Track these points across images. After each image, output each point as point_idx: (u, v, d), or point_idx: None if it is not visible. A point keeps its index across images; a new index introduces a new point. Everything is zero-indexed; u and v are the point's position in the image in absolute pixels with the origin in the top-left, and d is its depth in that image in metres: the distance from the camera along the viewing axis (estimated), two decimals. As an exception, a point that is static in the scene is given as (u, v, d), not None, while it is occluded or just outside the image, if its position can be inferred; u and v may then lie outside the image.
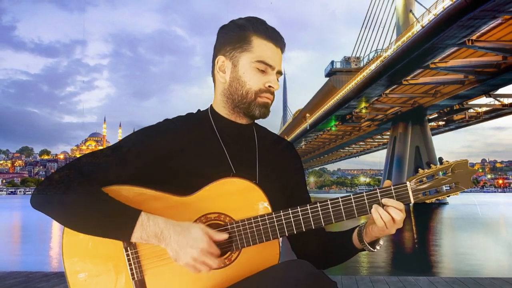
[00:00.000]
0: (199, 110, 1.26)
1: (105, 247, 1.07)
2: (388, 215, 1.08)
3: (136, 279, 1.06)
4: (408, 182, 1.09)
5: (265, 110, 1.19)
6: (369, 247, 1.16)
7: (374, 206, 1.08)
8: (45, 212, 1.04)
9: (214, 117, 1.22)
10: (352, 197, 1.09)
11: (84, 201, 1.02)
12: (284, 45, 1.21)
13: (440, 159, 1.10)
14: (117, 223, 1.01)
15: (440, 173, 1.08)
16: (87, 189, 1.03)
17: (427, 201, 1.09)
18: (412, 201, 1.09)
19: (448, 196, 1.10)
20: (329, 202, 1.09)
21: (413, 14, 34.50)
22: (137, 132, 1.17)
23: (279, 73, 1.20)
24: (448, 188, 1.08)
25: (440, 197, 1.09)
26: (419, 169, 1.10)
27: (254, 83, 1.16)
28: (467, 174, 1.08)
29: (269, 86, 1.17)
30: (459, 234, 16.44)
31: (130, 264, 1.06)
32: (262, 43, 1.16)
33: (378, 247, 1.17)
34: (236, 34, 1.17)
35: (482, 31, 25.26)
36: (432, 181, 1.08)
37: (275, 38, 1.18)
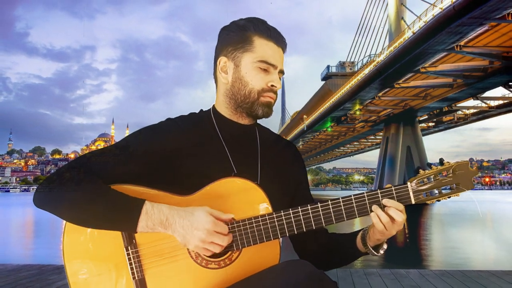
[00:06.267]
0: (201, 110, 1.20)
1: (106, 247, 1.01)
2: (387, 217, 1.02)
3: (136, 278, 1.00)
4: (409, 183, 1.03)
5: (268, 109, 1.13)
6: (372, 251, 1.10)
7: (373, 207, 1.02)
8: (48, 209, 0.98)
9: (216, 117, 1.16)
10: (353, 197, 1.03)
11: (88, 196, 0.96)
12: (285, 45, 1.16)
13: (441, 160, 1.04)
14: (122, 213, 0.96)
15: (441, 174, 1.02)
16: (87, 182, 0.97)
17: (428, 202, 1.03)
18: (413, 202, 1.03)
19: (449, 197, 1.03)
20: (329, 203, 1.03)
21: (404, 21, 34.43)
22: (140, 131, 1.10)
23: (281, 72, 1.14)
24: (449, 189, 1.03)
25: (441, 198, 1.03)
26: (419, 169, 1.03)
27: (256, 83, 1.11)
28: (468, 175, 1.02)
29: (272, 85, 1.12)
30: (448, 229, 16.40)
31: (130, 264, 1.01)
32: (264, 43, 1.11)
33: (381, 251, 1.11)
34: (237, 35, 1.12)
35: (470, 37, 25.28)
36: (433, 182, 1.02)
37: (276, 37, 1.13)
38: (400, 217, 1.02)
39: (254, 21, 1.13)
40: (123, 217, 0.96)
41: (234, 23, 1.14)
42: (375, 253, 1.10)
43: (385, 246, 1.11)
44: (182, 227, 0.96)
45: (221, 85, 1.16)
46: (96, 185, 0.98)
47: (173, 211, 0.97)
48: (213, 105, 1.19)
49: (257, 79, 1.11)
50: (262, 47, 1.11)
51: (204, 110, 1.20)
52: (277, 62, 1.12)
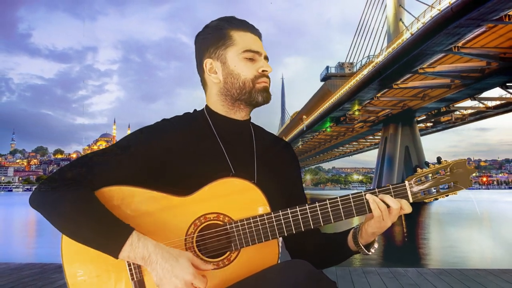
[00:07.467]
0: (195, 110, 1.19)
1: None
2: (383, 204, 1.02)
3: (135, 279, 0.99)
4: (407, 182, 1.02)
5: (267, 94, 1.14)
6: (364, 249, 1.09)
7: (367, 196, 1.02)
8: (40, 213, 0.97)
9: (211, 115, 1.15)
10: (351, 196, 1.02)
11: (77, 211, 0.94)
12: (260, 34, 1.17)
13: (439, 158, 1.03)
14: (107, 238, 0.94)
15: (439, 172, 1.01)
16: (83, 195, 0.96)
17: (426, 201, 1.02)
18: (411, 200, 1.02)
19: (447, 196, 1.02)
20: (328, 202, 1.02)
21: (402, 22, 34.39)
22: (141, 130, 1.09)
23: (266, 58, 1.15)
24: (447, 187, 1.02)
25: (439, 197, 1.02)
26: (418, 168, 1.02)
27: (248, 72, 1.11)
28: (466, 173, 1.01)
29: (263, 71, 1.12)
30: (446, 228, 16.40)
31: (129, 264, 0.99)
32: (242, 34, 1.12)
33: (373, 250, 1.10)
34: (214, 35, 1.13)
35: (468, 38, 25.24)
36: (431, 180, 1.01)
37: (251, 27, 1.15)
38: (396, 204, 1.02)
39: (226, 18, 1.15)
40: (107, 242, 0.94)
41: (207, 26, 1.16)
42: (366, 251, 1.10)
43: (376, 245, 1.11)
44: (162, 269, 0.93)
45: (212, 85, 1.15)
46: (89, 202, 0.96)
47: (158, 249, 0.94)
48: (206, 105, 1.18)
49: (247, 69, 1.11)
50: (242, 38, 1.12)
51: (198, 110, 1.19)
52: (260, 48, 1.13)
